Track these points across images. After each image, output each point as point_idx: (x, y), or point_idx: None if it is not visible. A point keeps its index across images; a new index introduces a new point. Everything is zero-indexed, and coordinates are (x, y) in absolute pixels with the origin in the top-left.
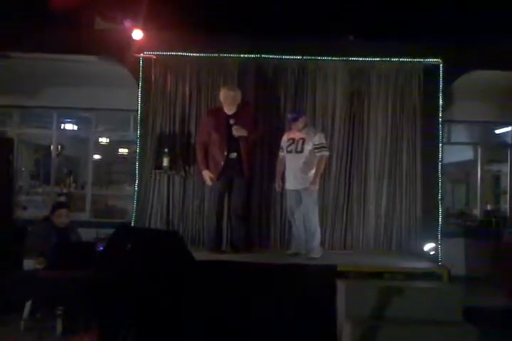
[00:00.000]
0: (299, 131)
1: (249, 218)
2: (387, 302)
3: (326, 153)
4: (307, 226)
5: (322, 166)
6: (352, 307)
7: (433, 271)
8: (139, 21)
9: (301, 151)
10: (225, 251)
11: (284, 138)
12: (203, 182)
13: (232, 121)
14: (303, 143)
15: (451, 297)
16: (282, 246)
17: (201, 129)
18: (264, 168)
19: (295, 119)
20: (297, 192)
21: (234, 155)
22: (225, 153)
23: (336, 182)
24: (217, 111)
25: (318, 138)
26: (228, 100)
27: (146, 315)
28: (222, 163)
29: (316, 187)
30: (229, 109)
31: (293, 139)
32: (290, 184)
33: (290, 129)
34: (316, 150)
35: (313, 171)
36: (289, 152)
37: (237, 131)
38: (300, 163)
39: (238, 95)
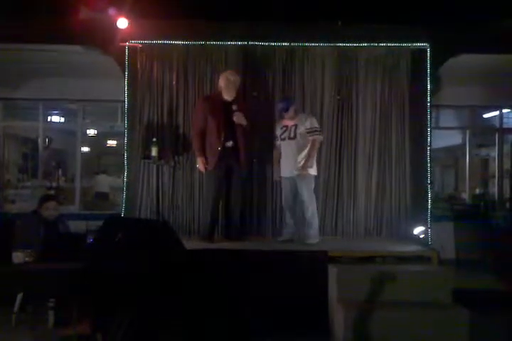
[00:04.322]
0: (292, 118)
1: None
2: (378, 285)
3: (320, 137)
4: (305, 213)
5: (315, 150)
6: (344, 291)
7: (423, 254)
8: (123, 9)
9: (294, 137)
10: (217, 240)
11: (278, 126)
12: (193, 171)
13: (234, 108)
14: (295, 129)
15: (441, 279)
16: (274, 233)
17: (197, 115)
18: (254, 157)
19: (286, 109)
20: (292, 179)
21: (230, 143)
22: (222, 141)
23: (326, 168)
24: (215, 97)
25: (310, 123)
26: (230, 85)
27: (138, 304)
28: (219, 151)
29: (311, 172)
30: (229, 95)
31: (286, 126)
32: (285, 171)
33: (282, 117)
34: (309, 134)
35: (305, 155)
36: (283, 139)
37: (238, 119)
38: (294, 149)
39: (238, 80)
